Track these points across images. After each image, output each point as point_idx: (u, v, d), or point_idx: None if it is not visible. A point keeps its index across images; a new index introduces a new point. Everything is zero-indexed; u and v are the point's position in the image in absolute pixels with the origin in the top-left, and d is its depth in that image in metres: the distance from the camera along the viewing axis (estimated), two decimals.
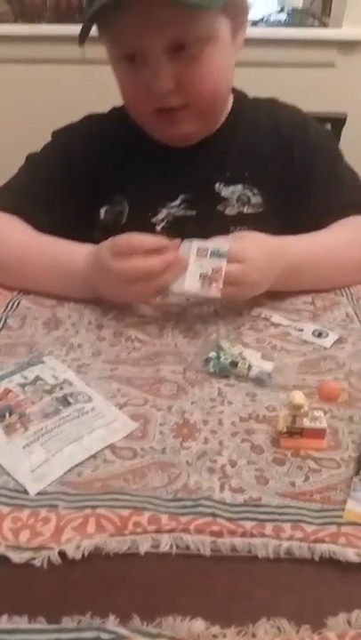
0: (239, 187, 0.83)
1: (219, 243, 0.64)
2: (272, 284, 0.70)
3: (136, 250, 0.64)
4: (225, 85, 0.78)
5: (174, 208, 0.83)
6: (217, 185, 0.83)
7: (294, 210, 0.83)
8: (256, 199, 0.84)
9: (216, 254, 0.63)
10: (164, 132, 0.79)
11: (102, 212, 0.85)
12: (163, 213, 0.83)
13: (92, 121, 0.88)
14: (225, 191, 0.83)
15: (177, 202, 0.83)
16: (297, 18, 1.91)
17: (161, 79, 0.69)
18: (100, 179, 0.83)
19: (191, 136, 0.80)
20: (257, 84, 0.88)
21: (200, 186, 0.82)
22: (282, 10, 1.92)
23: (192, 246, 0.64)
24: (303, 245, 0.74)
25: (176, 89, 0.71)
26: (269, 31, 1.74)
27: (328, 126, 1.15)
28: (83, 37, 0.67)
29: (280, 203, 0.84)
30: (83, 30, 0.67)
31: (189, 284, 0.63)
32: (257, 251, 0.66)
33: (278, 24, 1.90)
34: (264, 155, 0.84)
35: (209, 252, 0.63)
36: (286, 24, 1.89)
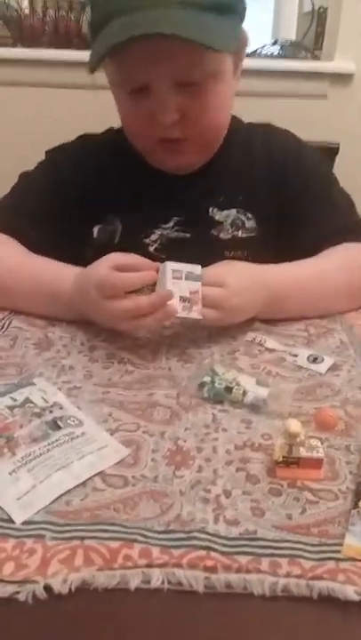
0: (233, 211, 0.83)
1: (191, 266, 0.65)
2: (258, 311, 0.70)
3: (122, 291, 0.63)
4: (226, 117, 0.79)
5: (167, 230, 0.83)
6: (211, 209, 0.83)
7: (289, 234, 0.83)
8: (250, 223, 0.84)
9: (191, 277, 0.64)
10: (165, 161, 0.79)
11: (95, 230, 0.85)
12: (156, 235, 0.83)
13: (86, 141, 0.88)
14: (219, 215, 0.83)
15: (170, 224, 0.83)
16: (290, 50, 1.96)
17: (167, 111, 0.70)
18: (93, 198, 0.83)
19: (191, 166, 0.80)
20: (252, 114, 0.90)
21: (194, 209, 0.83)
22: (275, 42, 1.97)
23: (166, 269, 0.64)
24: (288, 272, 0.74)
25: (180, 120, 0.71)
26: (264, 63, 1.78)
27: None
28: (93, 69, 0.67)
29: (274, 227, 0.84)
30: (93, 62, 0.66)
31: None
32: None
33: (272, 56, 1.94)
34: (258, 179, 0.84)
35: (183, 274, 0.64)
36: (280, 56, 1.94)
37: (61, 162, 0.86)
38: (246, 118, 0.89)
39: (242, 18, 0.71)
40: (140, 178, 0.82)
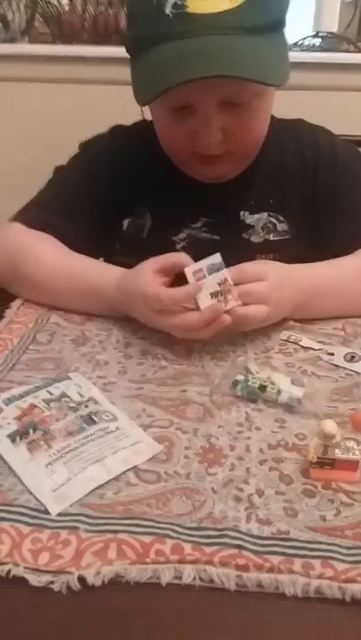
0: (264, 214, 0.82)
1: (209, 258, 0.63)
2: (292, 311, 0.69)
3: (171, 307, 0.63)
4: (266, 128, 0.77)
5: (195, 230, 0.83)
6: (242, 213, 0.82)
7: (321, 234, 0.81)
8: (282, 226, 0.83)
9: (213, 269, 0.63)
10: (201, 172, 0.78)
11: (125, 223, 0.85)
12: (184, 233, 0.83)
13: (118, 132, 0.87)
14: (250, 219, 0.82)
15: (198, 224, 0.82)
16: (332, 42, 1.92)
17: (211, 131, 0.69)
18: (125, 191, 0.83)
19: (226, 177, 0.79)
20: (292, 108, 0.88)
21: (224, 212, 0.82)
22: (317, 34, 1.92)
23: (187, 273, 0.63)
24: (321, 271, 0.73)
25: (222, 138, 0.70)
26: (305, 55, 1.75)
27: None
28: (147, 102, 0.67)
29: (306, 229, 0.82)
30: (147, 98, 0.65)
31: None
32: (275, 270, 0.66)
33: (313, 48, 1.90)
34: (289, 181, 0.83)
35: (205, 270, 0.63)
36: (321, 48, 1.90)
37: (94, 154, 0.86)
38: (286, 112, 0.87)
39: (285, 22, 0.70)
40: (171, 175, 0.81)
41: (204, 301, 0.62)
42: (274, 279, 0.65)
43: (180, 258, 0.65)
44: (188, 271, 0.63)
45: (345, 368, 0.64)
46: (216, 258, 0.63)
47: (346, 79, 1.71)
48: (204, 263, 0.63)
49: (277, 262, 0.71)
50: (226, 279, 0.62)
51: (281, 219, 0.83)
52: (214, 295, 0.62)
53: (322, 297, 0.72)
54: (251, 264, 0.67)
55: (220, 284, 0.62)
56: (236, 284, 0.63)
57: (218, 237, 0.83)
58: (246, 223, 0.83)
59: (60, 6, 1.82)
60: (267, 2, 0.64)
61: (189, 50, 0.61)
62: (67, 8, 1.83)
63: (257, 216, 0.83)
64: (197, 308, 0.62)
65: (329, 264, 0.74)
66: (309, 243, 0.83)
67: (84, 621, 0.36)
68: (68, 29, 1.81)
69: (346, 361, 0.65)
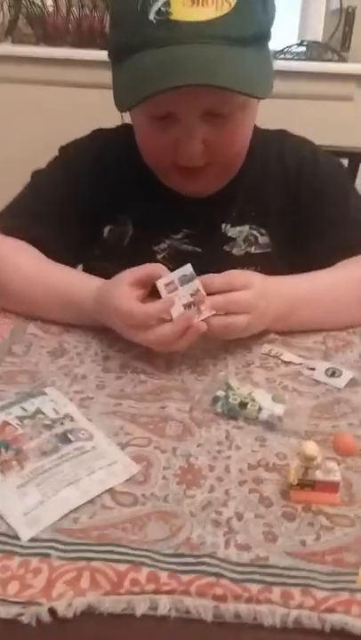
0: (246, 227, 0.82)
1: (181, 269, 0.62)
2: (273, 323, 0.69)
3: (144, 322, 0.61)
4: (248, 140, 0.75)
5: (177, 241, 0.82)
6: (223, 225, 0.81)
7: (303, 248, 0.81)
8: (263, 239, 0.82)
9: (185, 280, 0.62)
10: (181, 185, 0.77)
11: (106, 230, 0.83)
12: (165, 244, 0.82)
13: (99, 138, 0.85)
14: (232, 231, 0.82)
15: (179, 235, 0.81)
16: (316, 51, 1.93)
17: (193, 142, 0.68)
18: (106, 198, 0.82)
19: (208, 191, 0.78)
20: (275, 117, 0.87)
21: (206, 225, 0.81)
22: (301, 43, 1.93)
23: (158, 286, 0.62)
24: (302, 283, 0.72)
25: (204, 150, 0.69)
26: (289, 64, 1.75)
27: (345, 160, 1.14)
28: (127, 109, 0.66)
29: (288, 242, 0.82)
30: (128, 104, 0.64)
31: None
32: (260, 299, 0.65)
33: (298, 57, 1.91)
34: (271, 193, 0.82)
35: (177, 281, 0.62)
36: (306, 57, 1.91)
37: (74, 159, 0.84)
38: (269, 121, 0.86)
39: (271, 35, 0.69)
40: (153, 184, 0.80)
41: (178, 312, 0.61)
42: (259, 288, 0.64)
43: (156, 269, 0.64)
44: (160, 284, 0.62)
45: (326, 383, 0.63)
46: (187, 269, 0.62)
47: (330, 88, 1.72)
48: (176, 275, 0.62)
49: (260, 273, 0.70)
50: (198, 289, 0.61)
51: (263, 232, 0.82)
52: (187, 307, 0.61)
53: (303, 309, 0.71)
54: (238, 272, 0.66)
55: (192, 295, 0.61)
56: (223, 292, 0.62)
57: (199, 249, 0.82)
58: (228, 236, 0.82)
59: (45, 7, 1.80)
60: (253, 13, 0.63)
61: (172, 58, 0.60)
62: (51, 10, 1.82)
63: (239, 229, 0.82)
64: (171, 320, 0.61)
65: (311, 276, 0.73)
66: (291, 256, 0.82)
67: None
68: (52, 31, 1.79)
69: (327, 376, 0.64)
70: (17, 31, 1.83)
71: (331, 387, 0.63)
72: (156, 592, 0.37)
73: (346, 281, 0.75)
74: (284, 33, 1.90)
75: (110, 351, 0.68)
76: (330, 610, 0.37)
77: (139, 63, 0.62)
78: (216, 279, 0.63)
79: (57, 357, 0.67)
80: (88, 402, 0.58)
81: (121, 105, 0.65)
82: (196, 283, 0.61)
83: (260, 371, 0.65)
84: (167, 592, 0.37)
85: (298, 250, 0.82)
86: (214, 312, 0.61)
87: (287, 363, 0.67)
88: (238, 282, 0.63)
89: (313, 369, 0.66)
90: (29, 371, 0.64)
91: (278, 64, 1.66)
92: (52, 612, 0.36)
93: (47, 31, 1.81)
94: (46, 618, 0.36)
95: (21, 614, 0.36)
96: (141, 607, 0.37)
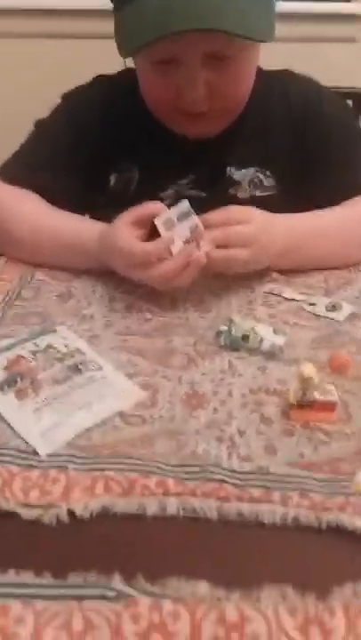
0: (251, 170, 0.82)
1: (177, 206, 0.64)
2: (277, 258, 0.70)
3: (146, 260, 0.63)
4: (252, 82, 0.75)
5: (183, 187, 0.82)
6: (228, 169, 0.82)
7: (309, 190, 0.81)
8: (268, 181, 0.82)
9: (183, 216, 0.63)
10: (185, 129, 0.77)
11: (112, 178, 0.84)
12: (171, 190, 0.82)
13: (102, 84, 0.85)
14: (237, 175, 0.82)
15: (185, 180, 0.82)
16: None
17: (196, 87, 0.68)
18: (111, 143, 0.82)
19: (212, 133, 0.78)
20: (278, 59, 0.86)
21: (211, 168, 0.81)
22: None
23: (157, 224, 0.63)
24: (307, 219, 0.73)
25: (207, 94, 0.69)
26: (291, 5, 1.70)
27: (350, 102, 1.13)
28: (132, 54, 0.67)
29: (293, 184, 0.82)
30: (131, 49, 0.65)
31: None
32: (260, 233, 0.66)
33: None
34: (276, 134, 0.82)
35: (175, 219, 0.63)
36: None
37: (78, 105, 0.84)
38: (272, 64, 0.85)
39: None
40: (157, 129, 0.80)
41: (175, 247, 0.62)
42: (260, 222, 0.66)
43: (154, 207, 0.65)
44: (158, 222, 0.63)
45: (326, 317, 0.65)
46: (184, 205, 0.63)
47: (333, 30, 1.67)
48: (173, 212, 0.63)
49: (261, 210, 0.71)
50: (197, 225, 0.63)
51: (268, 173, 0.82)
52: (187, 242, 0.63)
53: (308, 245, 0.73)
54: (237, 207, 0.67)
55: (191, 232, 0.63)
56: (222, 226, 0.63)
57: (204, 194, 0.82)
58: (233, 179, 0.82)
59: None
60: None
61: (176, 2, 0.60)
62: None
63: (243, 171, 0.82)
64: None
65: (315, 213, 0.74)
66: (296, 198, 0.82)
67: (73, 552, 0.38)
68: None
69: (327, 310, 0.66)
70: None
71: (331, 320, 0.64)
72: (164, 495, 0.41)
73: (351, 218, 0.76)
74: None
75: (116, 293, 0.70)
76: (326, 509, 0.40)
77: (142, 7, 0.62)
78: (214, 215, 0.64)
79: (65, 300, 0.69)
80: (96, 339, 0.61)
81: (125, 50, 0.65)
82: (195, 218, 0.63)
83: (262, 308, 0.67)
84: (175, 494, 0.41)
85: (303, 191, 0.82)
86: (213, 246, 0.62)
87: (289, 300, 0.69)
88: (237, 217, 0.65)
89: (314, 304, 0.68)
90: (39, 313, 0.66)
91: (281, 5, 1.61)
92: (70, 513, 0.39)
93: None
94: (65, 518, 0.39)
95: (42, 515, 0.39)
96: (151, 508, 0.40)
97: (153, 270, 0.63)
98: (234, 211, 0.65)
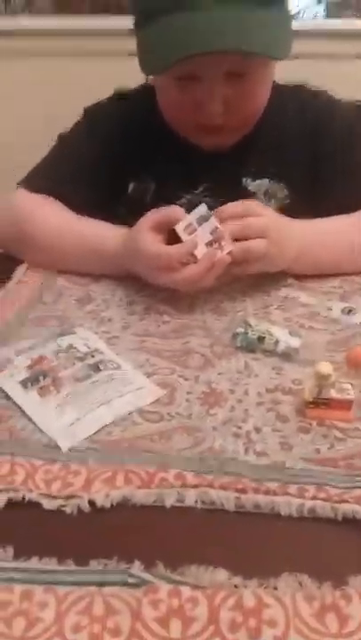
0: (266, 181, 0.84)
1: (196, 210, 0.66)
2: (288, 263, 0.71)
3: (171, 263, 0.65)
4: (267, 96, 0.78)
5: (197, 196, 0.84)
6: (244, 180, 0.84)
7: (322, 202, 0.82)
8: (282, 192, 0.84)
9: (203, 219, 0.65)
10: (202, 140, 0.80)
11: (130, 187, 0.87)
12: (185, 199, 0.84)
13: (121, 99, 0.88)
14: (252, 185, 0.84)
15: (199, 189, 0.84)
16: (335, 10, 1.89)
17: (215, 102, 0.71)
18: (129, 155, 0.84)
19: (227, 144, 0.81)
20: (296, 77, 0.88)
21: (226, 178, 0.83)
22: (320, 1, 1.90)
23: (178, 230, 0.65)
24: (322, 223, 0.74)
25: (224, 109, 0.72)
26: (308, 23, 1.73)
27: None
28: (160, 72, 0.70)
29: (307, 194, 0.83)
30: (157, 69, 0.69)
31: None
32: (274, 223, 0.68)
33: (317, 17, 1.88)
34: (290, 147, 0.83)
35: (195, 223, 0.65)
36: (325, 16, 1.88)
37: (98, 118, 0.87)
38: (290, 80, 0.87)
39: None
40: (173, 141, 0.82)
41: (201, 252, 0.64)
42: (273, 216, 0.68)
43: (174, 212, 0.67)
44: (179, 228, 0.65)
45: (342, 321, 0.66)
46: (202, 209, 0.65)
47: (350, 47, 1.69)
48: (193, 217, 0.65)
49: (278, 214, 0.72)
50: (217, 227, 0.65)
51: (282, 184, 0.84)
52: (209, 245, 0.64)
53: (322, 249, 0.74)
54: (252, 201, 0.69)
55: (211, 234, 0.64)
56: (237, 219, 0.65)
57: (219, 203, 0.84)
58: (248, 190, 0.84)
59: None
60: None
61: (200, 21, 0.63)
62: None
63: (258, 182, 0.84)
64: (195, 261, 0.64)
65: (328, 219, 0.76)
66: (309, 209, 0.84)
67: (93, 540, 0.39)
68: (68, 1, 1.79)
69: (344, 314, 0.67)
70: (34, 4, 1.84)
71: (346, 325, 0.65)
72: (183, 486, 0.41)
73: None
74: None
75: (135, 296, 0.72)
76: (342, 501, 0.40)
77: (167, 26, 0.65)
78: (228, 207, 0.66)
79: (84, 304, 0.71)
80: (115, 340, 0.62)
81: (150, 69, 0.69)
82: (213, 220, 0.64)
83: (277, 312, 0.68)
84: (193, 486, 0.42)
85: (316, 202, 0.83)
86: (234, 246, 0.64)
87: (305, 304, 0.70)
88: (252, 208, 0.67)
89: (330, 309, 0.68)
90: (59, 316, 0.68)
91: (297, 24, 1.64)
92: (91, 503, 0.41)
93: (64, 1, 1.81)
94: (86, 508, 0.40)
95: (64, 505, 0.41)
96: (170, 499, 0.41)
97: (178, 274, 0.64)
98: (247, 203, 0.68)
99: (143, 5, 0.70)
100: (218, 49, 0.63)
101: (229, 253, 0.64)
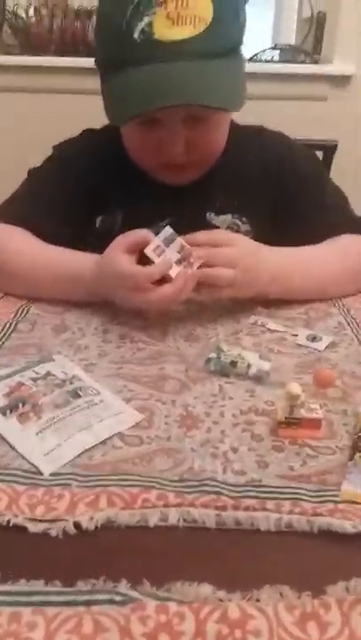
0: (228, 216, 0.88)
1: (162, 232, 0.69)
2: (262, 288, 0.74)
3: (145, 284, 0.68)
4: (225, 137, 0.83)
5: (162, 228, 0.88)
6: (208, 214, 0.88)
7: (284, 236, 0.87)
8: (245, 227, 0.89)
9: (168, 240, 0.69)
10: (165, 177, 0.84)
11: (98, 220, 0.90)
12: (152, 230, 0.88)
13: (90, 136, 0.93)
14: (216, 220, 0.88)
15: (164, 222, 0.88)
16: (290, 54, 2.02)
17: (177, 144, 0.76)
18: (97, 189, 0.88)
19: (189, 180, 0.85)
20: (253, 117, 0.94)
21: (191, 213, 0.87)
22: (275, 47, 2.02)
23: (148, 253, 0.69)
24: (292, 253, 0.79)
25: (186, 149, 0.77)
26: (265, 66, 1.84)
27: (320, 153, 1.22)
28: (123, 123, 0.75)
29: (268, 230, 0.88)
30: (121, 120, 0.74)
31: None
32: (244, 255, 0.71)
33: (273, 60, 2.00)
34: (251, 185, 0.89)
35: (161, 244, 0.69)
36: (280, 60, 2.00)
37: (67, 154, 0.91)
38: (249, 120, 0.93)
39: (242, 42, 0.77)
40: (139, 177, 0.86)
41: (174, 270, 0.67)
42: (244, 245, 0.72)
43: (143, 234, 0.70)
44: (149, 251, 0.69)
45: (307, 347, 0.69)
46: (167, 231, 0.69)
47: (304, 89, 1.80)
48: (160, 239, 0.69)
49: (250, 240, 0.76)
50: (183, 246, 0.69)
51: (244, 220, 0.89)
52: (178, 262, 0.68)
53: (294, 276, 0.78)
54: (221, 230, 0.73)
55: (179, 252, 0.68)
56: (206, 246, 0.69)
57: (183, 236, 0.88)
58: (212, 224, 0.88)
59: (28, 18, 1.86)
60: (227, 27, 0.71)
61: (158, 76, 0.67)
62: (33, 20, 1.87)
63: (222, 217, 0.89)
64: (165, 280, 0.68)
65: (297, 248, 0.80)
66: (272, 243, 0.89)
67: (79, 562, 0.40)
68: (36, 41, 1.85)
69: (308, 341, 0.71)
70: (1, 42, 1.89)
71: (312, 349, 0.69)
72: (165, 506, 0.43)
73: (333, 254, 0.82)
74: (258, 38, 1.99)
75: (110, 325, 0.73)
76: (317, 514, 0.43)
77: (125, 82, 0.70)
78: (199, 234, 0.70)
79: (60, 332, 0.72)
80: (92, 367, 0.64)
81: (113, 120, 0.73)
82: (179, 240, 0.69)
83: (247, 337, 0.71)
84: (175, 506, 0.43)
85: (278, 238, 0.88)
86: (202, 260, 0.68)
87: (272, 330, 0.73)
88: (220, 238, 0.71)
89: (296, 335, 0.72)
90: (36, 344, 0.69)
91: (255, 67, 1.74)
92: (76, 525, 0.41)
93: (31, 41, 1.86)
94: (71, 530, 0.41)
95: (49, 529, 0.41)
96: (153, 519, 0.42)
97: (153, 294, 0.67)
98: (218, 233, 0.72)
99: (102, 57, 0.75)
100: (178, 103, 0.68)
101: (199, 267, 0.68)
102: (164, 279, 0.68)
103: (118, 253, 0.70)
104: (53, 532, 0.41)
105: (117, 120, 0.74)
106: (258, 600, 0.37)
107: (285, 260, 0.77)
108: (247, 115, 0.91)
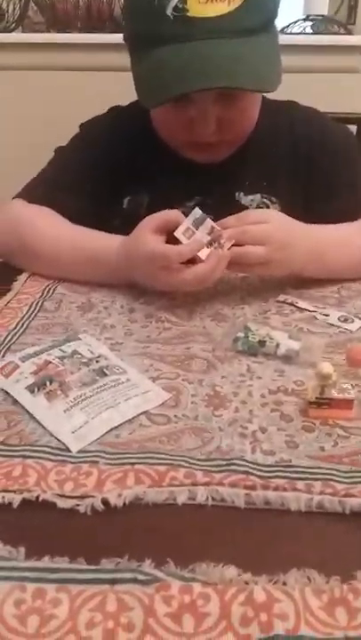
0: (258, 196, 0.86)
1: (191, 214, 0.68)
2: (298, 266, 0.72)
3: (176, 262, 0.66)
4: (257, 114, 0.81)
5: (190, 208, 0.86)
6: (237, 194, 0.86)
7: (314, 216, 0.85)
8: (274, 207, 0.87)
9: (199, 222, 0.67)
10: (195, 155, 0.82)
11: (125, 201, 0.89)
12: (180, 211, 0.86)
13: (117, 113, 0.91)
14: (245, 200, 0.86)
15: (192, 203, 0.86)
16: (322, 26, 1.95)
17: (208, 122, 0.74)
18: (124, 169, 0.87)
19: (220, 159, 0.83)
20: (284, 90, 0.90)
21: (220, 193, 0.85)
22: (307, 18, 1.95)
23: (178, 236, 0.67)
24: (329, 228, 0.76)
25: (217, 128, 0.75)
26: (297, 38, 1.78)
27: (354, 127, 1.18)
28: (156, 105, 0.74)
29: (299, 210, 0.85)
30: (153, 103, 0.72)
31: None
32: (277, 231, 0.69)
33: (304, 32, 1.93)
34: (282, 163, 0.86)
35: (192, 226, 0.67)
36: (312, 32, 1.93)
37: (94, 133, 0.90)
38: (278, 94, 0.90)
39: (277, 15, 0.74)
40: (168, 156, 0.84)
41: (204, 252, 0.66)
42: (277, 220, 0.70)
43: (173, 215, 0.69)
44: (179, 233, 0.67)
45: (338, 326, 0.67)
46: (197, 212, 0.68)
47: (336, 60, 1.74)
48: (189, 221, 0.67)
49: (287, 217, 0.74)
50: (213, 227, 0.67)
51: (274, 200, 0.87)
52: (209, 244, 0.66)
53: (332, 252, 0.76)
54: (252, 210, 0.71)
55: (209, 234, 0.67)
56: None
57: (212, 217, 0.86)
58: (241, 204, 0.86)
59: None
60: (262, 2, 0.68)
61: (195, 56, 0.65)
62: None
63: (251, 197, 0.86)
64: (195, 261, 0.66)
65: (333, 225, 0.78)
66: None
67: (107, 539, 0.40)
68: (63, 17, 1.82)
69: (340, 321, 0.69)
70: (28, 20, 1.87)
71: (343, 329, 0.67)
72: (193, 485, 0.42)
73: None
74: (290, 9, 1.92)
75: (135, 304, 0.73)
76: (349, 495, 0.42)
77: (159, 62, 0.67)
78: (230, 220, 0.68)
79: (86, 311, 0.72)
80: (118, 346, 0.63)
81: (147, 102, 0.72)
82: (209, 221, 0.67)
83: (276, 317, 0.70)
84: (203, 484, 0.42)
85: (308, 216, 0.85)
86: (233, 241, 0.67)
87: (302, 309, 0.71)
88: (251, 218, 0.69)
89: (327, 315, 0.70)
90: (62, 323, 0.69)
91: (286, 39, 1.68)
92: (104, 502, 0.41)
93: (57, 18, 1.84)
94: (100, 507, 0.41)
95: (78, 505, 0.41)
96: (182, 497, 0.42)
97: (187, 273, 0.66)
98: (248, 213, 0.70)
99: (133, 34, 0.73)
100: (219, 86, 0.66)
101: (230, 249, 0.66)
102: (193, 260, 0.67)
103: (147, 233, 0.68)
104: (82, 509, 0.41)
105: (152, 101, 0.72)
106: (284, 584, 0.36)
107: (321, 238, 0.75)
108: (279, 88, 0.88)
